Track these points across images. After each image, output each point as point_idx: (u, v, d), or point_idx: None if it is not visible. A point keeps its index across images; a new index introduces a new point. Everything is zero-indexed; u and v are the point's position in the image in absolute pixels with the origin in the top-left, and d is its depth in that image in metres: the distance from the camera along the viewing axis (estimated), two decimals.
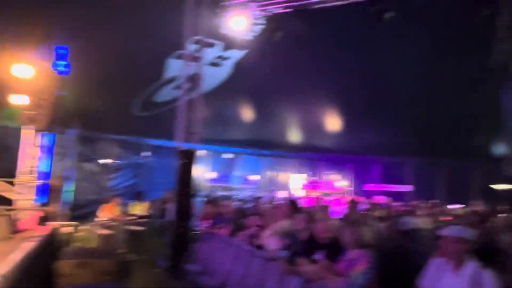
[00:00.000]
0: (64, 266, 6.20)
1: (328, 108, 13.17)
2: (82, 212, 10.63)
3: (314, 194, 13.63)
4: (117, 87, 11.22)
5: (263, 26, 8.89)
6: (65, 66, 8.05)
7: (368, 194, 13.17)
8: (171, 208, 9.22)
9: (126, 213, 9.28)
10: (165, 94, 12.57)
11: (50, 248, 6.61)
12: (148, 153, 14.35)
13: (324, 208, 6.85)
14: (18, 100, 7.65)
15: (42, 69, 7.64)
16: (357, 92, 11.95)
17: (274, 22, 8.17)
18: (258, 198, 11.17)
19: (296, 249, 4.35)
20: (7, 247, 5.58)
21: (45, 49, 8.00)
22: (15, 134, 8.20)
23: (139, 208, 9.43)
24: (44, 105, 7.53)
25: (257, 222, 6.27)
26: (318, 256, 4.02)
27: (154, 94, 12.54)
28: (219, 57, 11.62)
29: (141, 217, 9.27)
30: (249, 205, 9.87)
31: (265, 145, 14.89)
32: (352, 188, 15.14)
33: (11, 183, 7.79)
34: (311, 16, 8.51)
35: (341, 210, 8.85)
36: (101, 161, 13.53)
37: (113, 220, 8.85)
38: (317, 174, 15.47)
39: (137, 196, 9.88)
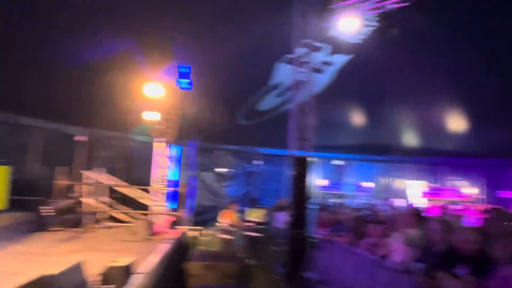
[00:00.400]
0: (193, 267, 6.69)
1: (450, 107, 11.93)
2: (202, 218, 11.42)
3: (437, 202, 12.39)
4: (229, 98, 11.86)
5: (375, 26, 8.50)
6: (188, 83, 8.80)
7: (505, 203, 11.45)
8: (279, 215, 9.37)
9: (243, 220, 9.64)
10: (267, 102, 12.87)
11: (181, 250, 7.20)
12: (260, 162, 14.79)
13: (457, 217, 6.14)
14: (150, 116, 8.61)
15: (169, 87, 8.49)
16: (486, 87, 10.58)
17: (389, 19, 7.72)
18: (374, 206, 10.59)
19: (432, 261, 3.94)
20: (147, 247, 6.25)
21: (170, 68, 8.85)
22: (149, 147, 9.26)
23: (255, 215, 9.72)
24: (171, 120, 8.35)
25: (379, 231, 5.91)
26: (461, 270, 3.57)
27: (257, 102, 12.93)
28: (323, 62, 11.48)
29: (257, 223, 9.53)
30: (365, 213, 9.41)
31: (378, 150, 14.12)
32: (483, 196, 13.36)
33: (147, 191, 8.79)
34: (429, 8, 7.86)
35: (473, 220, 7.85)
36: (217, 170, 14.40)
37: (232, 225, 9.27)
38: (439, 180, 14.07)
39: (253, 203, 10.20)
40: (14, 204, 9.19)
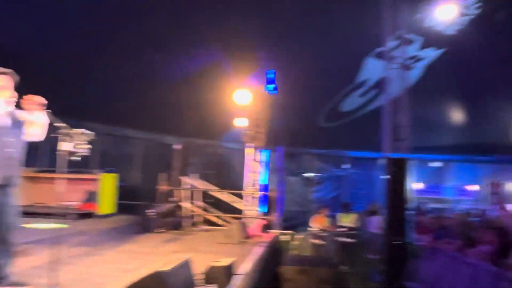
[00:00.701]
0: (287, 271, 6.65)
1: None
2: (291, 222, 11.38)
3: None
4: (314, 101, 11.71)
5: (475, 13, 7.73)
6: (274, 88, 8.90)
7: None
8: (373, 220, 8.91)
9: (335, 224, 9.41)
10: (350, 102, 12.41)
11: (274, 253, 7.23)
12: (348, 165, 14.36)
13: None
14: (240, 122, 8.88)
15: (256, 93, 8.68)
16: None
17: (493, 2, 6.95)
18: (485, 210, 9.53)
19: None
20: (242, 250, 6.38)
21: (257, 74, 9.04)
22: (239, 153, 9.56)
23: (347, 220, 9.43)
24: (260, 125, 8.51)
25: (494, 238, 5.28)
26: None
27: (340, 103, 12.54)
28: (415, 56, 10.75)
29: (349, 228, 9.23)
30: (473, 218, 8.52)
31: (484, 150, 12.71)
32: None
33: (239, 195, 9.05)
34: None
35: None
36: (305, 175, 14.30)
37: (323, 230, 9.09)
38: None
39: (345, 207, 9.91)
40: (121, 208, 10.18)
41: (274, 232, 8.04)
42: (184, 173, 10.09)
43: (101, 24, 8.82)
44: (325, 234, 8.98)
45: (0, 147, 3.21)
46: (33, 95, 3.44)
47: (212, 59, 9.55)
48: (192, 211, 8.96)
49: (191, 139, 12.02)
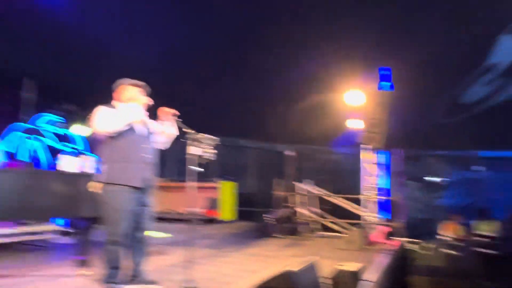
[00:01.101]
0: (419, 282, 6.07)
1: None
2: (414, 230, 10.45)
3: None
4: (434, 96, 10.64)
5: None
6: (390, 86, 8.34)
7: None
8: None
9: (470, 233, 8.31)
10: (474, 92, 10.86)
11: (402, 262, 6.66)
12: (481, 167, 12.70)
13: None
14: (354, 124, 8.52)
15: (370, 91, 8.25)
16: None
17: None
18: None
19: None
20: (365, 257, 6.03)
21: (370, 73, 8.58)
22: (353, 157, 9.18)
23: (486, 228, 8.24)
24: (376, 125, 8.04)
25: None
26: None
27: (460, 94, 11.07)
28: None
29: (491, 238, 8.04)
30: None
31: None
32: None
33: (356, 200, 8.66)
34: None
35: None
36: (427, 179, 13.10)
37: (457, 239, 8.12)
38: None
39: (481, 214, 8.71)
40: (240, 215, 10.62)
41: (399, 239, 7.44)
42: (298, 180, 10.07)
43: (208, 38, 9.37)
44: (460, 243, 7.98)
45: (138, 152, 3.54)
46: (166, 107, 3.74)
47: (322, 62, 9.38)
48: (309, 217, 8.86)
49: (303, 145, 12.00)
